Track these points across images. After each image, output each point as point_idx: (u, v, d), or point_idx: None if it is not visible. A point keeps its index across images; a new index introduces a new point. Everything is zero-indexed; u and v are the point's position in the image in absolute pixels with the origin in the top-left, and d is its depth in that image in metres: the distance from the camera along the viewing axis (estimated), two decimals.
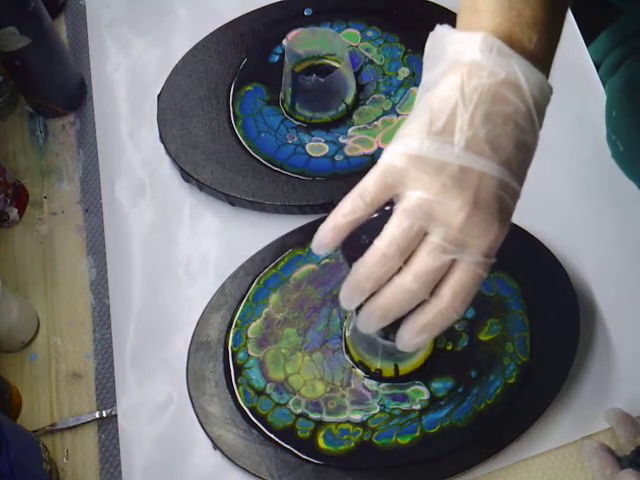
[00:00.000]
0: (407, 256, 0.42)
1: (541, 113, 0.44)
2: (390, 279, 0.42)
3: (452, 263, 0.42)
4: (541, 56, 0.44)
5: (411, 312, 0.43)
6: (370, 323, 0.44)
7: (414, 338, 0.44)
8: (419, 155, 0.41)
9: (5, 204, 0.73)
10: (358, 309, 0.50)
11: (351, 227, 0.43)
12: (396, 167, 0.42)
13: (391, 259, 0.42)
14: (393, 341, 0.46)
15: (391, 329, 0.46)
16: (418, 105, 0.44)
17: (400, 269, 0.42)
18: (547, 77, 0.44)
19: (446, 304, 0.42)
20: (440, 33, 0.45)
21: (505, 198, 0.42)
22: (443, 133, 0.41)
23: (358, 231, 0.44)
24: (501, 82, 0.42)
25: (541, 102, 0.43)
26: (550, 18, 0.44)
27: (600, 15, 0.79)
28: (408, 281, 0.42)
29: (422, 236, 0.42)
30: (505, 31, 0.43)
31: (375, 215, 0.44)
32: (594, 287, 0.68)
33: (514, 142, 0.42)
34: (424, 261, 0.41)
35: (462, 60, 0.42)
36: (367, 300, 0.44)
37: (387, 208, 0.44)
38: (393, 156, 0.42)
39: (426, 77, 0.45)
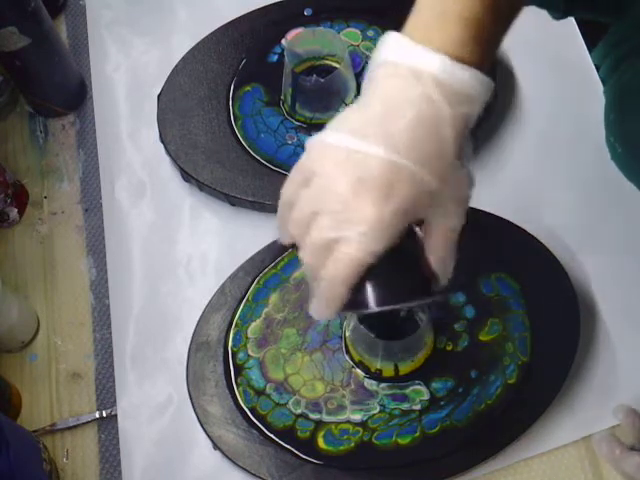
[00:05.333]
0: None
1: (455, 94, 0.42)
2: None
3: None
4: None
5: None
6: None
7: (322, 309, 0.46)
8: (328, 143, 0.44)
9: (5, 204, 0.73)
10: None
11: None
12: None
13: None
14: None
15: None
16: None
17: None
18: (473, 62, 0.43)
19: (331, 274, 0.43)
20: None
21: (392, 180, 0.42)
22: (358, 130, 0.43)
23: None
24: (386, 64, 0.43)
25: (451, 84, 0.42)
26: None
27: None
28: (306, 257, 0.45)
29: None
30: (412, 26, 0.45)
31: None
32: (594, 287, 0.68)
33: (407, 126, 0.42)
34: (312, 238, 0.43)
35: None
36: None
37: None
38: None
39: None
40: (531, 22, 0.73)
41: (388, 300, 0.46)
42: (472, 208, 0.69)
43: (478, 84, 0.42)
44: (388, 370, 0.62)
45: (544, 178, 0.73)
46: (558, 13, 0.71)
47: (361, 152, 0.42)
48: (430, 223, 0.44)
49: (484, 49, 0.44)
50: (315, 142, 0.45)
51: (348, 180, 0.42)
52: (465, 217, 0.45)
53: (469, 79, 0.42)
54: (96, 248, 0.74)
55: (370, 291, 0.45)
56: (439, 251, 0.45)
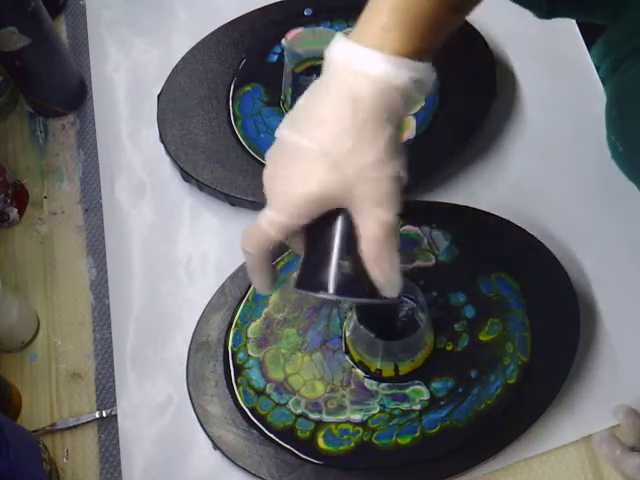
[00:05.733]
0: None
1: (358, 76, 0.46)
2: None
3: None
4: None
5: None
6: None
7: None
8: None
9: (5, 204, 0.73)
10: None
11: None
12: None
13: None
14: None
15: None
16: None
17: None
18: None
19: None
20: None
21: (297, 163, 0.46)
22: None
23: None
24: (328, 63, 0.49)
25: (354, 67, 0.46)
26: None
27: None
28: None
29: None
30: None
31: None
32: (594, 287, 0.68)
33: (315, 111, 0.47)
34: None
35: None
36: None
37: None
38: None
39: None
40: (531, 22, 0.73)
41: (345, 291, 0.47)
42: (472, 208, 0.70)
43: (388, 66, 0.45)
44: (388, 370, 0.62)
45: (544, 178, 0.73)
46: (541, 13, 0.71)
47: (292, 140, 0.47)
48: (356, 210, 0.46)
49: (415, 35, 0.46)
50: (276, 134, 0.50)
51: (272, 165, 0.48)
52: (394, 207, 0.45)
53: (376, 62, 0.45)
54: (96, 248, 0.74)
55: (332, 278, 0.47)
56: (368, 242, 0.46)
